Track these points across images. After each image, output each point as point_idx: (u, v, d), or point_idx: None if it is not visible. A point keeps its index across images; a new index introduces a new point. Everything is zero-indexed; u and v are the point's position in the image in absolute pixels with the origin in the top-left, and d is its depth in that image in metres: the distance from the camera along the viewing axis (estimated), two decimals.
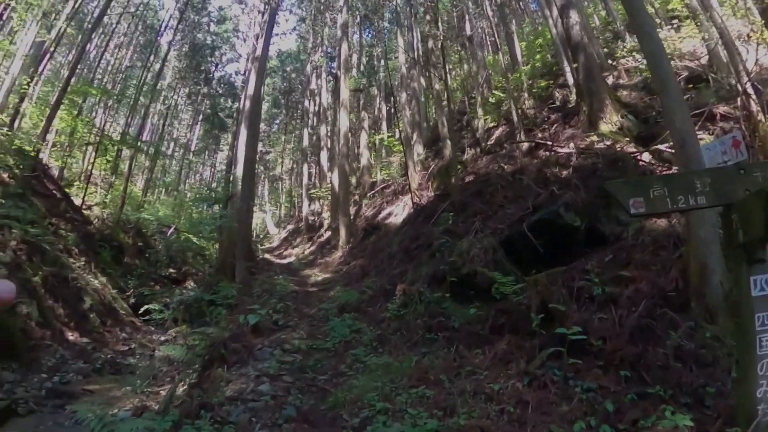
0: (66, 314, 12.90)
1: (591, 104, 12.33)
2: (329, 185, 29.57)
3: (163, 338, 15.29)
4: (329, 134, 33.07)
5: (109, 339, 13.89)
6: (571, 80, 15.15)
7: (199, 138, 49.70)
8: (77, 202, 25.20)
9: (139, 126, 32.90)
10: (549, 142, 12.37)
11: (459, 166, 17.59)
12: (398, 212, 19.27)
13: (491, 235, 9.28)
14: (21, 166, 16.77)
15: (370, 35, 39.65)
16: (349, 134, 26.86)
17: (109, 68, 36.59)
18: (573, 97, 14.67)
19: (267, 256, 28.67)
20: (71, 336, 12.37)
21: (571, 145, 11.49)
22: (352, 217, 23.30)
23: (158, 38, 34.04)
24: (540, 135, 13.98)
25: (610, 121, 11.94)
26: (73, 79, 23.48)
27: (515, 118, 15.36)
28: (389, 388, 6.60)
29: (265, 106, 47.55)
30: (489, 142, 18.37)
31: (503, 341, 7.30)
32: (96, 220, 25.22)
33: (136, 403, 8.22)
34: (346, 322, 9.76)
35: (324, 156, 33.11)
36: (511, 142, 14.06)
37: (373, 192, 25.73)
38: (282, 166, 52.81)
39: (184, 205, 34.70)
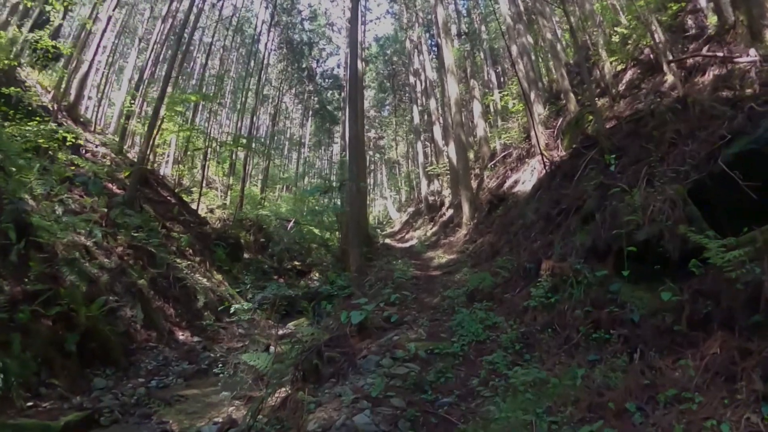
0: (177, 314, 12.81)
1: (749, 12, 9.38)
2: (446, 161, 27.19)
3: (281, 332, 14.25)
4: (439, 108, 30.51)
5: (223, 336, 13.67)
6: (703, 2, 12.38)
7: (312, 133, 49.29)
8: (200, 206, 25.55)
9: (249, 128, 32.38)
10: (719, 54, 9.14)
11: (590, 117, 14.70)
12: (526, 178, 16.45)
13: (672, 182, 6.39)
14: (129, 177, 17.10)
15: (465, 4, 36.54)
16: (461, 104, 24.30)
17: (214, 80, 36.66)
18: (712, 20, 11.67)
19: (387, 241, 26.82)
20: (182, 336, 12.19)
21: (751, 52, 8.26)
22: (474, 191, 20.67)
23: (256, 45, 33.76)
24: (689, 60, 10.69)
25: None
26: (170, 90, 23.38)
27: (658, 38, 12.02)
28: (546, 424, 4.25)
29: (371, 93, 46.26)
30: (620, 87, 15.26)
31: (713, 342, 4.64)
32: (218, 221, 25.53)
33: (229, 412, 7.02)
34: (476, 315, 7.35)
35: (437, 131, 30.56)
36: (670, 61, 10.73)
37: (493, 162, 22.93)
38: (397, 150, 50.96)
39: (303, 198, 33.92)
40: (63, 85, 19.49)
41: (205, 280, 15.74)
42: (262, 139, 39.35)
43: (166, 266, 13.81)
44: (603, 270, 6.35)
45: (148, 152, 20.98)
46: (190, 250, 17.34)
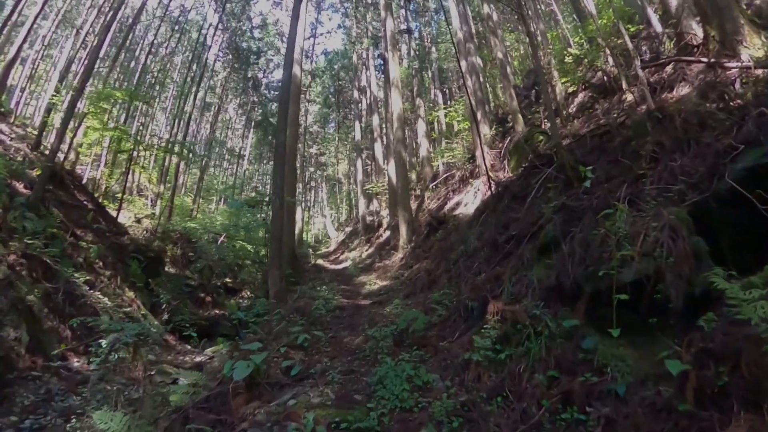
0: (75, 336, 10.43)
1: (722, 26, 8.39)
2: (386, 180, 25.55)
3: (198, 359, 12.87)
4: (383, 124, 28.89)
5: (127, 364, 10.84)
6: (659, 28, 11.40)
7: (253, 146, 46.56)
8: (126, 215, 23.94)
9: (184, 134, 29.76)
10: (704, 59, 7.77)
11: (540, 136, 13.34)
12: (468, 201, 14.88)
13: (666, 204, 4.73)
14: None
15: (417, 25, 35.18)
16: (405, 122, 22.78)
17: (155, 81, 34.00)
18: (667, 46, 10.81)
19: (320, 261, 24.74)
20: (77, 362, 9.90)
21: (744, 56, 6.90)
22: (413, 212, 18.96)
23: (201, 47, 31.37)
24: (650, 80, 9.31)
25: (751, 44, 7.94)
26: (99, 86, 21.08)
27: (616, 61, 10.74)
28: None
29: (315, 107, 44.34)
30: (571, 109, 14.13)
31: (737, 429, 3.05)
32: (144, 232, 23.11)
33: None
34: (403, 370, 5.41)
35: (378, 148, 28.84)
36: (644, 66, 9.24)
37: (435, 183, 21.39)
38: (338, 167, 48.83)
39: (238, 212, 31.64)
40: None
41: (106, 299, 13.41)
42: (197, 147, 36.78)
43: (65, 280, 11.39)
44: (571, 319, 4.61)
45: (65, 149, 18.69)
46: (101, 263, 14.91)
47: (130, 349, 9.01)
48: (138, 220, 24.97)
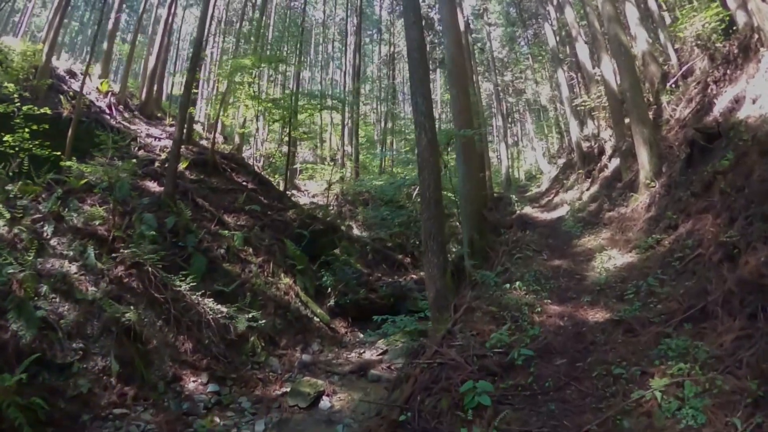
0: (199, 348, 8.80)
1: None
2: (599, 89, 18.26)
3: (367, 354, 11.22)
4: (579, 17, 21.35)
5: (263, 375, 9.34)
6: None
7: (442, 87, 40.87)
8: (319, 182, 24.54)
9: (348, 87, 26.01)
10: None
11: None
12: (760, 92, 7.90)
13: None
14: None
15: None
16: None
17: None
18: None
19: (528, 209, 18.76)
20: (193, 382, 8.21)
21: None
22: (653, 127, 11.90)
23: None
24: None
25: None
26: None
27: None
28: None
29: (499, 31, 38.51)
30: None
31: None
32: (334, 197, 22.22)
33: None
34: None
35: (581, 49, 20.78)
36: None
37: (672, 82, 13.95)
38: (538, 91, 40.86)
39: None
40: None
41: (220, 306, 10.16)
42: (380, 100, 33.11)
43: (172, 288, 9.30)
44: None
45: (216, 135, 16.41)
46: (249, 249, 12.53)
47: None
48: (329, 186, 22.92)
